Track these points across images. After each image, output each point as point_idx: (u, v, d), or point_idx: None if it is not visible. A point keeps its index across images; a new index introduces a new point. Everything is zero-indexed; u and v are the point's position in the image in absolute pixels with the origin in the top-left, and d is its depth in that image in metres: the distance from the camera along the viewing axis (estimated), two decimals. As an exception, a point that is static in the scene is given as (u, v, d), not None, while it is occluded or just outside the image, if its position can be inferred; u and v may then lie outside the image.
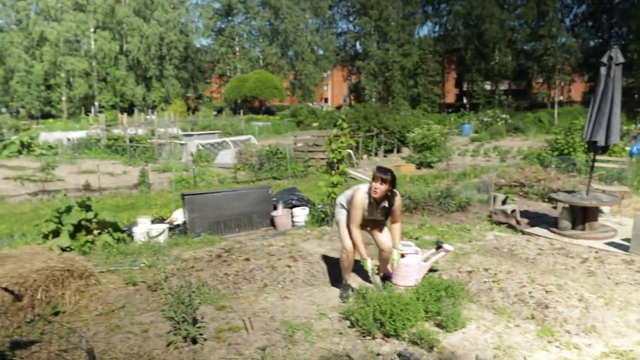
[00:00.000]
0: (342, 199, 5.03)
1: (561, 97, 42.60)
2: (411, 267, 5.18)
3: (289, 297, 4.92)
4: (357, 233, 4.70)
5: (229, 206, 7.69)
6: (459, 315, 4.12)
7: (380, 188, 4.57)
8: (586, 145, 11.07)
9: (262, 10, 47.25)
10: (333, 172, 7.43)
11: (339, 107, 49.52)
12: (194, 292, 3.93)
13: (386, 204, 4.73)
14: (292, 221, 7.98)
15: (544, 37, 38.28)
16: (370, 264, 4.75)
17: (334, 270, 5.48)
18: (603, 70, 6.56)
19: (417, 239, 6.76)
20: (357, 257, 5.00)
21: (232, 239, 7.07)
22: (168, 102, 45.87)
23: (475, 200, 8.79)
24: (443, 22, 47.57)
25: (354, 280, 5.24)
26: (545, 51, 38.15)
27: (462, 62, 44.71)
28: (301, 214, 7.99)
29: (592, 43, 43.79)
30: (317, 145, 15.02)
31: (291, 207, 8.21)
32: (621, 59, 6.46)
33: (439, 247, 5.42)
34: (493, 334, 4.08)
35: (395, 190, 4.75)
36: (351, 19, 50.71)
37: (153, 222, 7.59)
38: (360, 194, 4.66)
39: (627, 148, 12.33)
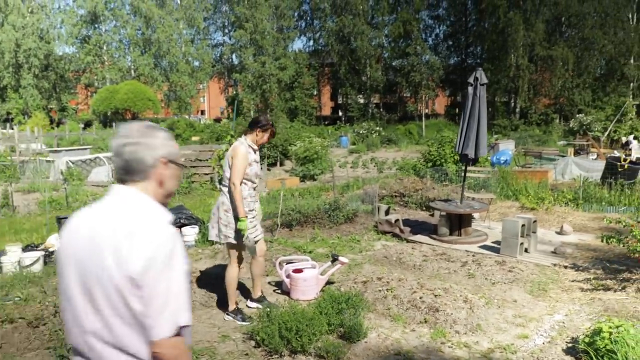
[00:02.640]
0: (227, 203, 4.59)
1: (427, 110, 45.93)
2: (309, 281, 5.28)
3: (188, 322, 4.75)
4: (240, 190, 4.49)
5: (112, 228, 7.22)
6: (361, 325, 4.28)
7: (266, 134, 4.73)
8: (456, 157, 12.12)
9: (132, 18, 45.12)
10: (224, 189, 7.31)
11: (217, 120, 48.81)
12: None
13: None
14: (182, 241, 7.70)
15: (410, 55, 41.13)
16: (247, 224, 4.48)
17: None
18: (470, 89, 7.24)
19: (311, 252, 6.89)
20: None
21: (118, 264, 6.65)
22: (27, 115, 41.88)
23: (361, 211, 9.17)
24: (317, 37, 49.13)
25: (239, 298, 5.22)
26: (412, 68, 40.97)
27: (337, 77, 46.45)
28: (191, 233, 7.75)
29: (452, 61, 48.09)
30: (200, 160, 14.67)
31: (180, 227, 7.93)
32: (485, 80, 7.19)
33: (334, 259, 5.58)
34: (393, 341, 4.30)
35: None
36: (227, 30, 50.37)
37: (25, 249, 6.88)
38: (243, 148, 4.56)
39: (489, 158, 13.68)
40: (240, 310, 4.88)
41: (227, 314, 4.83)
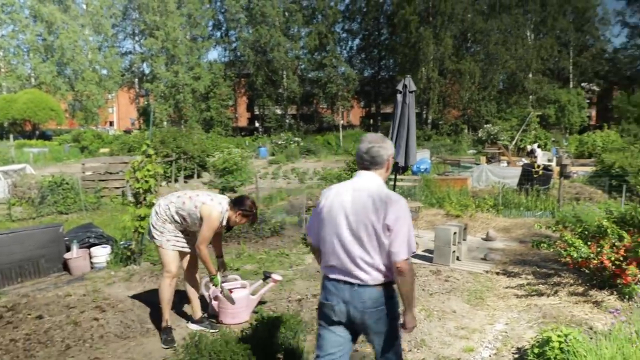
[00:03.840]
0: (164, 215, 4.40)
1: (342, 121, 46.50)
2: (240, 303, 4.81)
3: (101, 357, 4.14)
4: (207, 252, 4.31)
5: (7, 251, 6.31)
6: (302, 351, 3.89)
7: (244, 220, 4.40)
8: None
9: (32, 23, 41.94)
10: (139, 204, 6.64)
11: (127, 131, 46.46)
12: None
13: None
14: (91, 263, 6.91)
15: (327, 66, 41.51)
16: (220, 278, 4.54)
17: (152, 315, 4.85)
18: (399, 97, 7.12)
19: (237, 269, 6.41)
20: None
21: (14, 293, 5.79)
22: None
23: (287, 223, 8.80)
24: (232, 47, 48.31)
25: (176, 321, 4.67)
26: (328, 79, 41.34)
27: (253, 87, 45.86)
28: (102, 253, 6.97)
29: (366, 73, 49.10)
30: (111, 173, 13.62)
31: (88, 247, 7.12)
32: (414, 87, 7.10)
33: (266, 277, 5.15)
34: (336, 365, 3.94)
35: None
36: (137, 38, 48.26)
37: None
38: (217, 215, 4.26)
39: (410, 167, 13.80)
40: (169, 330, 4.42)
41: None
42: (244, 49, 44.15)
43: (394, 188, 7.84)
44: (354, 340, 2.82)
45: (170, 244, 4.39)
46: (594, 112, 47.49)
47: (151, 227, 4.46)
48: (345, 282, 2.64)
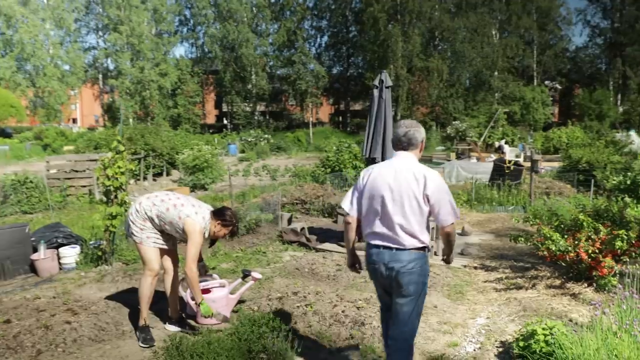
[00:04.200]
0: (144, 214, 4.23)
1: (312, 119, 46.42)
2: (219, 302, 4.68)
3: (75, 362, 3.96)
4: (197, 275, 4.15)
5: (-31, 253, 6.02)
6: (286, 350, 3.80)
7: (224, 230, 4.33)
8: (356, 162, 12.07)
9: (-11, 16, 40.41)
10: (110, 202, 6.42)
11: (91, 128, 45.29)
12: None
13: None
14: (60, 264, 6.64)
15: (296, 63, 41.31)
16: (208, 306, 4.27)
17: (128, 317, 4.68)
18: (375, 92, 7.08)
19: (214, 268, 6.26)
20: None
21: (-22, 296, 5.52)
22: None
23: (262, 220, 8.67)
24: (200, 44, 47.55)
25: (153, 322, 4.52)
26: (297, 76, 41.15)
27: (222, 84, 45.30)
28: (71, 253, 6.70)
29: (335, 70, 49.05)
30: (77, 171, 13.19)
31: (56, 247, 6.84)
32: (390, 82, 7.07)
33: (245, 275, 5.03)
34: (321, 364, 3.87)
35: None
36: (100, 33, 47.01)
37: None
38: (201, 230, 4.14)
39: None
40: (147, 329, 4.28)
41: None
42: (211, 45, 43.54)
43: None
44: None
45: (151, 241, 4.24)
46: (556, 110, 48.75)
47: (130, 224, 4.27)
48: (385, 247, 3.06)
